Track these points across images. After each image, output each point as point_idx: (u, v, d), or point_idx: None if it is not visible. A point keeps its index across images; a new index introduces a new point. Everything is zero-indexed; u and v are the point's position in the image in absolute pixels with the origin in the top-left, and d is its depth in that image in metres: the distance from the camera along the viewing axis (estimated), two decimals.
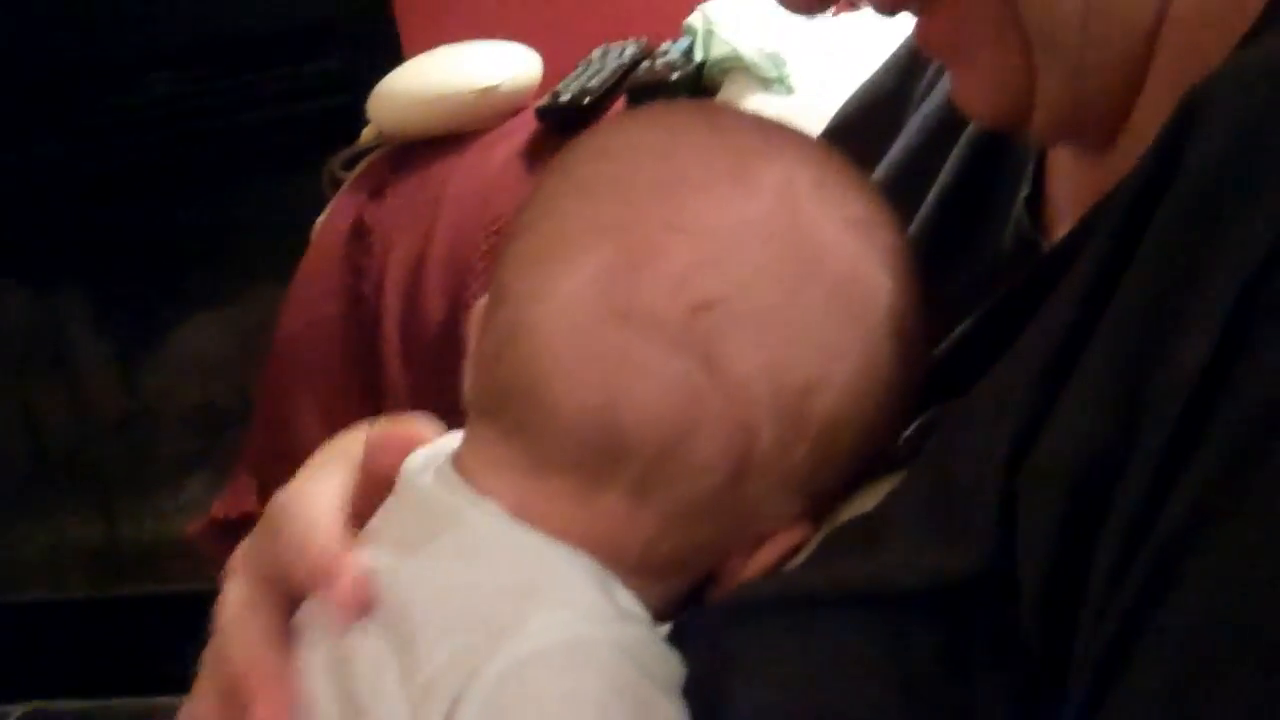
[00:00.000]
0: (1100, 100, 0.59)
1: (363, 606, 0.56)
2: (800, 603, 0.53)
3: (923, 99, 0.78)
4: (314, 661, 0.58)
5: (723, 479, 0.56)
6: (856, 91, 0.84)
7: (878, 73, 0.83)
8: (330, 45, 2.34)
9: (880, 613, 0.51)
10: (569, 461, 0.56)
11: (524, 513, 0.56)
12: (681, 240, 0.55)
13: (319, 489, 0.62)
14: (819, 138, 0.60)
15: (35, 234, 2.65)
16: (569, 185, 0.58)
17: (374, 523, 0.60)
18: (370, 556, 0.57)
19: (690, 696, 0.53)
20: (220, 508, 1.54)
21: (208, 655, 0.62)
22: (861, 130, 0.81)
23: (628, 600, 0.55)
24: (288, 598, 0.60)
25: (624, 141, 0.60)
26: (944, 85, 0.76)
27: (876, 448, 0.58)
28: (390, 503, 0.60)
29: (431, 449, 0.62)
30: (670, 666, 0.54)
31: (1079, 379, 0.48)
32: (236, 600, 0.62)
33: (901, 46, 0.82)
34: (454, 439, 0.62)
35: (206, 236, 2.58)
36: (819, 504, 0.58)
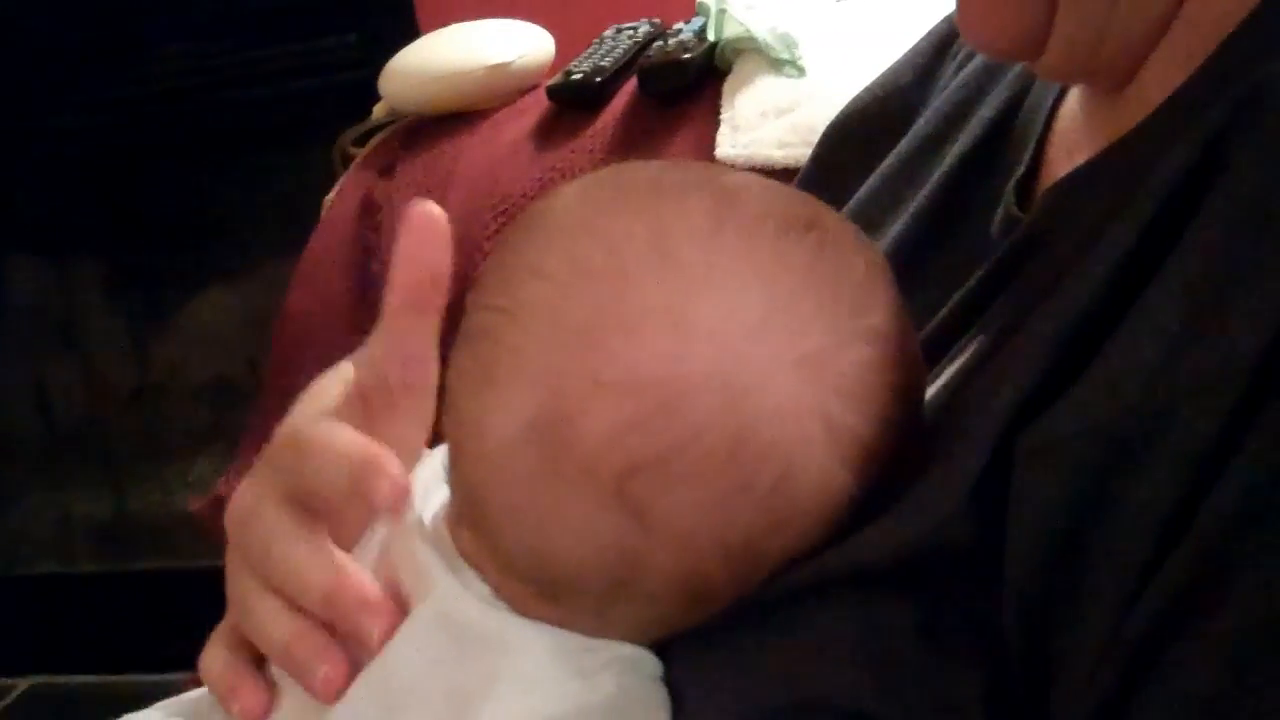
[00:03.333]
0: (1121, 41, 0.58)
1: (403, 500, 0.56)
2: (784, 599, 0.53)
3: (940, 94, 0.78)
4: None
5: (682, 605, 0.55)
6: (871, 84, 0.84)
7: (895, 66, 0.84)
8: (346, 20, 2.34)
9: (857, 595, 0.51)
10: (525, 577, 0.56)
11: (499, 593, 0.56)
12: (609, 398, 0.52)
13: (333, 422, 0.61)
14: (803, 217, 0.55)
15: (47, 207, 2.65)
16: (506, 302, 0.55)
17: (373, 549, 0.61)
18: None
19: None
20: (225, 486, 1.53)
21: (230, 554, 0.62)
22: (874, 120, 0.81)
23: (607, 650, 0.56)
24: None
25: (561, 256, 0.54)
26: (964, 75, 0.76)
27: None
28: (389, 538, 0.60)
29: (434, 467, 0.62)
30: (649, 709, 0.55)
31: (1105, 359, 0.48)
32: (254, 503, 0.61)
33: (923, 41, 0.83)
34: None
35: (219, 211, 2.58)
36: None
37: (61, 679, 2.51)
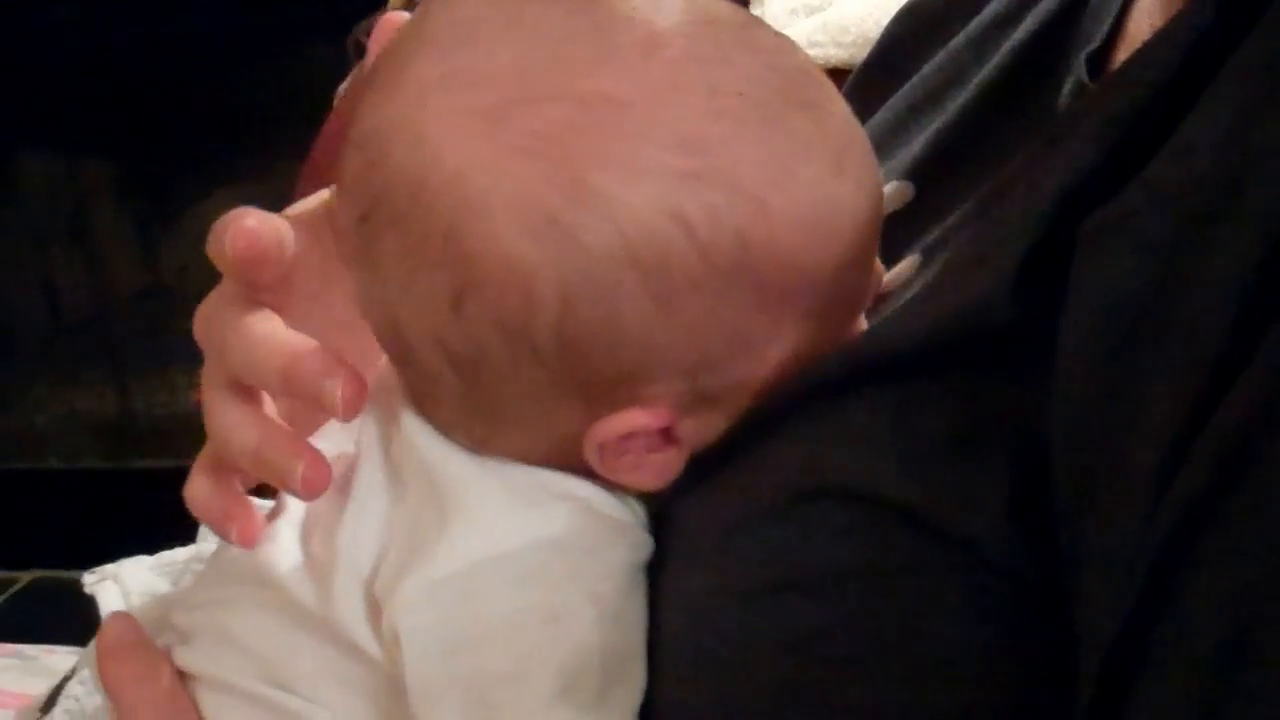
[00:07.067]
0: None
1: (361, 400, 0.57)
2: (815, 394, 0.52)
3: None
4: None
5: (517, 384, 0.55)
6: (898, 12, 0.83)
7: None
8: None
9: (890, 388, 0.50)
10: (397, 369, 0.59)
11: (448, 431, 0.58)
12: (351, 152, 0.55)
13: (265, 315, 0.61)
14: None
15: (57, 104, 2.62)
16: None
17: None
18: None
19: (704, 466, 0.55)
20: None
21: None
22: (941, 8, 0.79)
23: (561, 487, 0.56)
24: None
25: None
26: None
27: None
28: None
29: None
30: (605, 544, 0.55)
31: (1179, 135, 0.46)
32: (214, 301, 0.62)
33: None
34: None
35: (231, 110, 2.56)
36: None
37: (64, 573, 2.51)
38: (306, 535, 0.59)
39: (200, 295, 0.62)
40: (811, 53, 1.33)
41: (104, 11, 2.49)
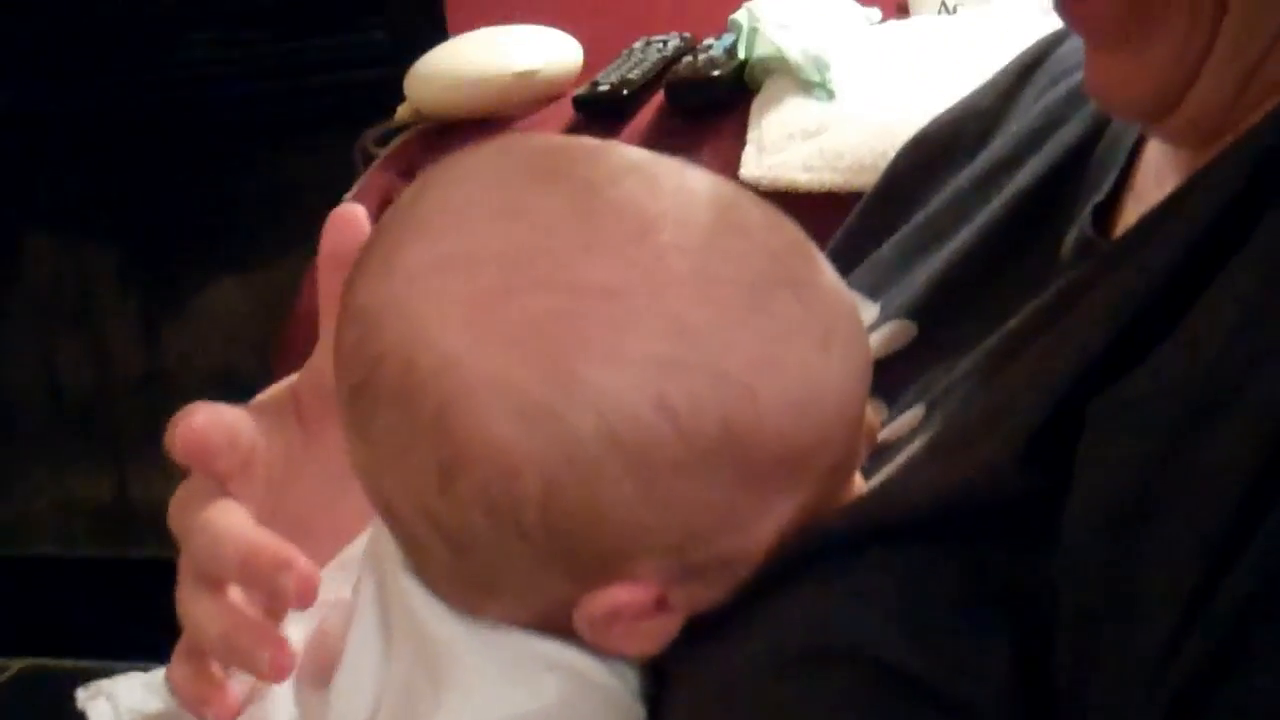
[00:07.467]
0: (1254, 97, 0.57)
1: (313, 593, 0.58)
2: (821, 554, 0.53)
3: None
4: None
5: (503, 564, 0.56)
6: (951, 106, 0.84)
7: (977, 90, 0.83)
8: (374, 17, 2.33)
9: (897, 549, 0.51)
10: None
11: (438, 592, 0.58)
12: (343, 325, 0.57)
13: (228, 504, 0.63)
14: None
15: (66, 187, 2.64)
16: None
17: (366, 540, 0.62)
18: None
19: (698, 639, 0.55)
20: None
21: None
22: (950, 140, 0.81)
23: (556, 656, 0.56)
24: None
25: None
26: (1044, 102, 0.75)
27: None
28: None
29: None
30: (606, 710, 0.55)
31: (1187, 324, 0.48)
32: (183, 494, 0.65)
33: (1010, 65, 0.82)
34: None
35: (238, 200, 2.57)
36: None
37: (55, 662, 2.50)
38: (299, 689, 0.60)
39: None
40: (807, 177, 1.37)
41: (110, 99, 2.52)
